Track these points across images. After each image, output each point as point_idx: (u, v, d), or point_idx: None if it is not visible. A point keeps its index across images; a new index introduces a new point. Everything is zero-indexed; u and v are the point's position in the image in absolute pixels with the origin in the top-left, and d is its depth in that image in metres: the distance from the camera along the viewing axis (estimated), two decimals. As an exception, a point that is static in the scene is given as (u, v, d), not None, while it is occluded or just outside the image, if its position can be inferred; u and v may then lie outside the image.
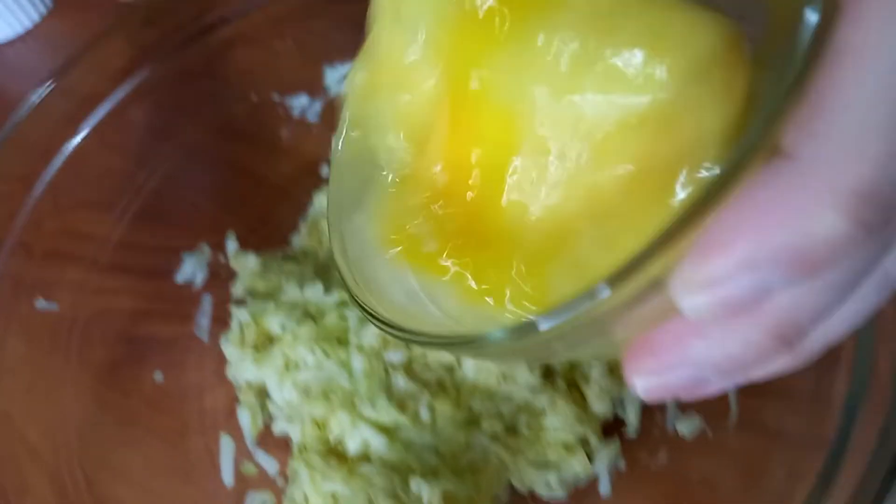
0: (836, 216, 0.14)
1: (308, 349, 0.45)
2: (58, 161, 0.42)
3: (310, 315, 0.48)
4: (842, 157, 0.14)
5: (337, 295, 0.47)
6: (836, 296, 0.17)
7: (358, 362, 0.45)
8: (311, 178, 0.52)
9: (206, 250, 0.48)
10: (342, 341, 0.46)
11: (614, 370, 0.41)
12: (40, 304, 0.40)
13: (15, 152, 0.40)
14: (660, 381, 0.18)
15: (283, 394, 0.45)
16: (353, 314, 0.47)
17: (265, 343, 0.47)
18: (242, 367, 0.45)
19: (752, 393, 0.36)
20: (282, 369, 0.45)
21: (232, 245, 0.49)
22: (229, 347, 0.46)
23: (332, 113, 0.50)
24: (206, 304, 0.48)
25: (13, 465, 0.35)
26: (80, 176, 0.43)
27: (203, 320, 0.47)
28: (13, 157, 0.40)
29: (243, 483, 0.42)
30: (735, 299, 0.15)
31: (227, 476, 0.42)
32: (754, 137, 0.15)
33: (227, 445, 0.43)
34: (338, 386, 0.44)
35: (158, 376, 0.44)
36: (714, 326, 0.17)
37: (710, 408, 0.38)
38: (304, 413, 0.44)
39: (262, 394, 0.46)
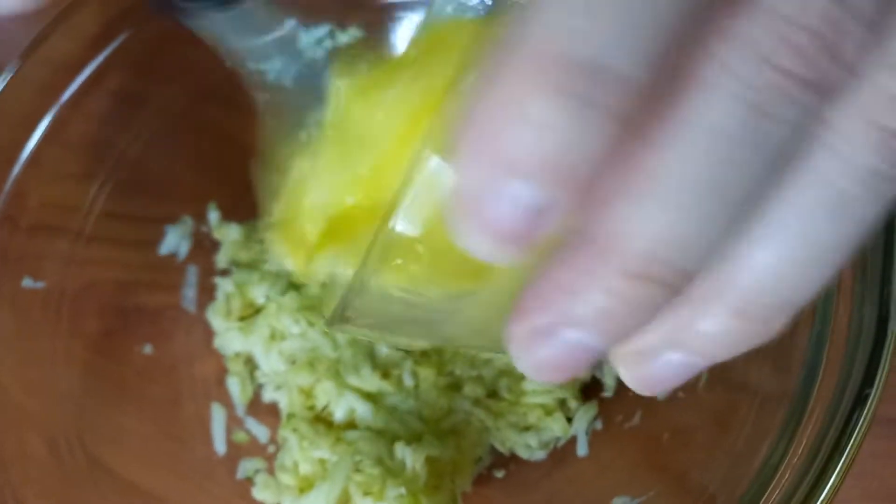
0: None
1: (293, 319, 0.46)
2: (38, 132, 0.42)
3: (293, 285, 0.48)
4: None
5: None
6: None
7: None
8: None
9: (188, 222, 0.48)
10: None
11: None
12: (27, 282, 0.40)
13: (-4, 124, 0.40)
14: (536, 357, 0.15)
15: (269, 363, 0.46)
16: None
17: (251, 313, 0.48)
18: (229, 338, 0.46)
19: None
20: (268, 339, 0.46)
21: (214, 216, 0.49)
22: (216, 318, 0.47)
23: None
24: (192, 275, 0.48)
25: (12, 434, 0.35)
26: (60, 146, 0.42)
27: (189, 291, 0.47)
28: (-7, 128, 0.40)
29: (235, 450, 0.43)
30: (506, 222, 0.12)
31: (220, 444, 0.43)
32: None
33: (218, 414, 0.44)
34: (322, 355, 0.46)
35: (148, 347, 0.44)
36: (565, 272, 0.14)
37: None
38: (291, 382, 0.45)
39: (251, 363, 0.47)
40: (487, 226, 0.12)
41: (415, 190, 0.16)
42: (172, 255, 0.47)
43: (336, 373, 0.45)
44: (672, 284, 0.14)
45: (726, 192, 0.13)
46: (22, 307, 0.39)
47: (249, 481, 0.42)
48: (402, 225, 0.17)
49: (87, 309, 0.42)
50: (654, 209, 0.13)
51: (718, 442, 0.32)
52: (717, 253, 0.14)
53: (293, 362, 0.46)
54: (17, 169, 0.40)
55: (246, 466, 0.43)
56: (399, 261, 0.18)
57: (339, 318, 0.22)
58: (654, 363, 0.17)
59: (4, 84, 0.40)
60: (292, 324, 0.46)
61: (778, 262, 0.15)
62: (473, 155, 0.13)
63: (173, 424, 0.42)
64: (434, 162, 0.16)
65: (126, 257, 0.45)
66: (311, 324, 0.46)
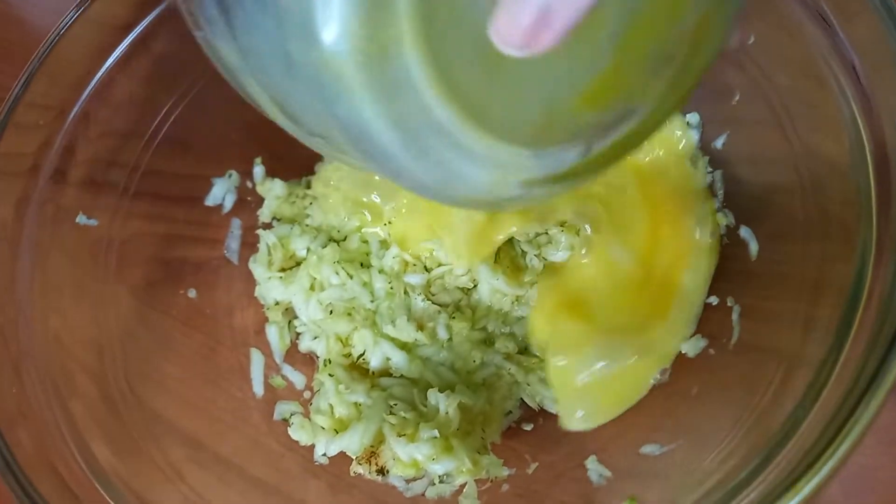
0: None
1: (333, 270, 0.47)
2: (87, 91, 0.43)
3: (333, 239, 0.50)
4: None
5: (357, 220, 0.49)
6: None
7: (380, 283, 0.47)
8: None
9: (234, 176, 0.50)
10: (365, 264, 0.48)
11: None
12: (81, 219, 0.42)
13: (46, 83, 0.41)
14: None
15: (308, 312, 0.47)
16: (374, 239, 0.48)
17: (291, 265, 0.49)
18: (270, 287, 0.48)
19: (752, 317, 0.37)
20: (307, 289, 0.47)
21: (259, 171, 0.51)
22: (258, 268, 0.48)
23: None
24: (236, 227, 0.50)
25: (64, 374, 0.37)
26: (109, 105, 0.44)
27: (233, 243, 0.49)
28: (45, 88, 0.41)
29: (272, 394, 0.45)
30: None
31: (258, 387, 0.45)
32: None
33: (257, 359, 0.46)
34: (360, 305, 0.47)
35: (192, 294, 0.46)
36: None
37: (714, 330, 0.40)
38: (329, 330, 0.47)
39: (289, 312, 0.48)
40: None
41: None
42: (217, 209, 0.49)
43: (373, 322, 0.47)
44: None
45: None
46: (75, 254, 0.41)
47: (285, 423, 0.44)
48: None
49: (134, 258, 0.44)
50: None
51: (744, 399, 0.32)
52: None
53: (331, 312, 0.47)
54: (66, 125, 0.42)
55: (282, 409, 0.45)
56: None
57: None
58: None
59: (54, 44, 0.42)
60: (332, 274, 0.47)
61: None
62: None
63: (214, 369, 0.44)
64: None
65: (172, 212, 0.47)
66: (349, 275, 0.47)
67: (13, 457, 0.33)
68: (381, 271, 0.48)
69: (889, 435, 0.38)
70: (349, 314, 0.47)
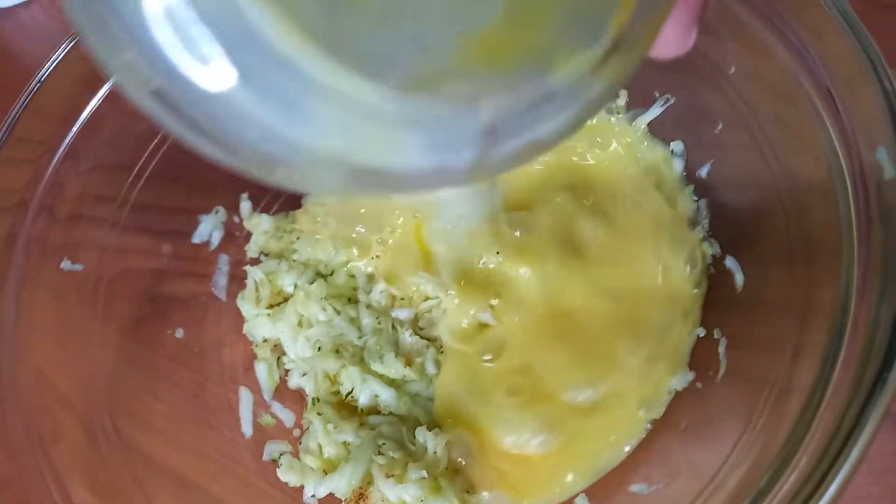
0: None
1: (320, 307, 0.47)
2: (76, 125, 0.43)
3: (320, 274, 0.49)
4: None
5: (344, 255, 0.49)
6: None
7: (367, 318, 0.47)
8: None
9: (221, 212, 0.50)
10: (352, 299, 0.48)
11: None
12: (65, 264, 0.41)
13: (35, 117, 0.41)
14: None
15: (297, 349, 0.47)
16: (361, 274, 0.48)
17: (279, 301, 0.49)
18: (258, 324, 0.48)
19: (740, 346, 0.37)
20: (295, 326, 0.47)
21: (246, 206, 0.51)
22: (246, 305, 0.48)
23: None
24: (223, 263, 0.50)
25: (48, 415, 0.37)
26: (97, 139, 0.44)
27: (220, 279, 0.49)
28: (34, 121, 0.41)
29: (261, 433, 0.45)
30: None
31: (247, 426, 0.45)
32: None
33: (245, 397, 0.46)
34: (348, 342, 0.46)
35: (179, 332, 0.46)
36: None
37: (702, 362, 0.40)
38: (317, 367, 0.46)
39: (278, 349, 0.48)
40: None
41: None
42: (205, 245, 0.49)
43: (360, 359, 0.46)
44: None
45: None
46: (61, 293, 0.41)
47: (274, 463, 0.43)
48: None
49: (121, 296, 0.44)
50: None
51: (734, 432, 0.32)
52: None
53: (319, 349, 0.47)
54: (55, 160, 0.41)
55: (272, 448, 0.44)
56: None
57: None
58: None
59: (43, 78, 0.42)
60: (319, 311, 0.47)
61: None
62: None
63: (202, 407, 0.44)
64: None
65: (160, 247, 0.47)
66: (337, 311, 0.47)
67: (-6, 501, 0.32)
68: (368, 307, 0.48)
69: (880, 463, 0.37)
70: (337, 351, 0.46)
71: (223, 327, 0.48)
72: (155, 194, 0.46)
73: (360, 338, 0.47)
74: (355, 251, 0.49)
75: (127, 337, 0.43)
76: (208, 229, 0.50)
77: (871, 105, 0.30)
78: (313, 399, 0.46)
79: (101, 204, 0.44)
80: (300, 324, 0.48)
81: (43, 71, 0.42)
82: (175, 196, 0.48)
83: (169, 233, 0.48)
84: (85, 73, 0.44)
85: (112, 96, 0.45)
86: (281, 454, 0.44)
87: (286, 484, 0.42)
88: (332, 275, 0.49)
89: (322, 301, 0.47)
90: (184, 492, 0.39)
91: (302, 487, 0.42)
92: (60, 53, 0.43)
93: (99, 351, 0.41)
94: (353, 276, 0.49)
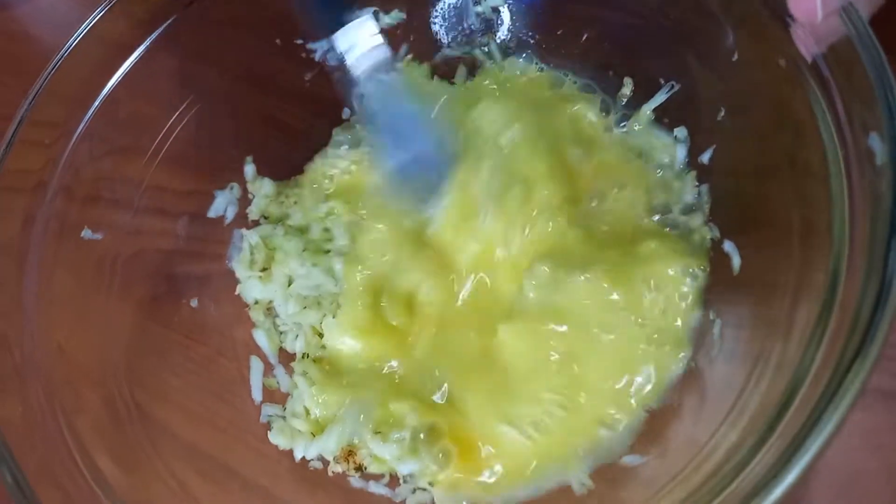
0: None
1: (298, 262, 0.48)
2: (92, 108, 0.44)
3: (297, 230, 0.51)
4: None
5: (325, 208, 0.50)
6: None
7: (339, 265, 0.48)
8: (331, 119, 0.54)
9: (235, 188, 0.51)
10: (329, 252, 0.49)
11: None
12: (86, 233, 0.43)
13: (52, 100, 0.42)
14: None
15: (287, 309, 0.48)
16: (338, 224, 0.50)
17: (273, 264, 0.50)
18: (250, 286, 0.49)
19: (733, 325, 0.39)
20: (285, 286, 0.49)
21: (250, 170, 0.52)
22: (239, 267, 0.49)
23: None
24: (237, 239, 0.51)
25: (69, 389, 0.38)
26: (112, 123, 0.45)
27: (235, 254, 0.50)
28: (51, 105, 0.42)
29: (271, 398, 0.46)
30: None
31: (257, 392, 0.46)
32: None
33: (256, 366, 0.47)
34: (327, 292, 0.48)
35: (194, 303, 0.47)
36: None
37: (697, 343, 0.41)
38: (304, 324, 0.47)
39: (271, 312, 0.49)
40: None
41: None
42: (219, 223, 0.50)
43: (338, 306, 0.47)
44: None
45: None
46: (79, 270, 0.42)
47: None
48: None
49: (138, 274, 0.45)
50: None
51: (725, 406, 0.33)
52: None
53: (305, 307, 0.48)
54: (72, 143, 0.43)
55: (267, 411, 0.45)
56: None
57: None
58: None
59: (59, 62, 0.43)
60: (298, 266, 0.48)
61: None
62: None
63: (215, 382, 0.45)
64: None
65: (174, 227, 0.48)
66: (314, 264, 0.48)
67: (21, 472, 0.33)
68: (339, 253, 0.49)
69: (877, 439, 0.38)
70: (319, 304, 0.48)
71: (237, 304, 0.49)
72: (169, 176, 0.48)
73: (336, 285, 0.48)
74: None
75: (144, 314, 0.44)
76: (223, 204, 0.51)
77: (866, 92, 0.30)
78: (303, 354, 0.47)
79: (118, 185, 0.45)
80: (289, 283, 0.49)
81: (59, 55, 0.43)
82: (189, 177, 0.49)
83: (184, 213, 0.49)
84: (100, 57, 0.45)
85: (126, 81, 0.46)
86: (269, 417, 0.45)
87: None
88: (308, 230, 0.51)
89: (300, 256, 0.48)
90: (200, 462, 0.40)
91: (319, 477, 0.43)
92: (76, 38, 0.44)
93: (117, 327, 0.43)
94: (327, 230, 0.50)
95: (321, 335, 0.47)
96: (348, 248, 0.48)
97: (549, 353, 0.42)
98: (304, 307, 0.48)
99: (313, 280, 0.48)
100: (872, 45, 0.31)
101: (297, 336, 0.48)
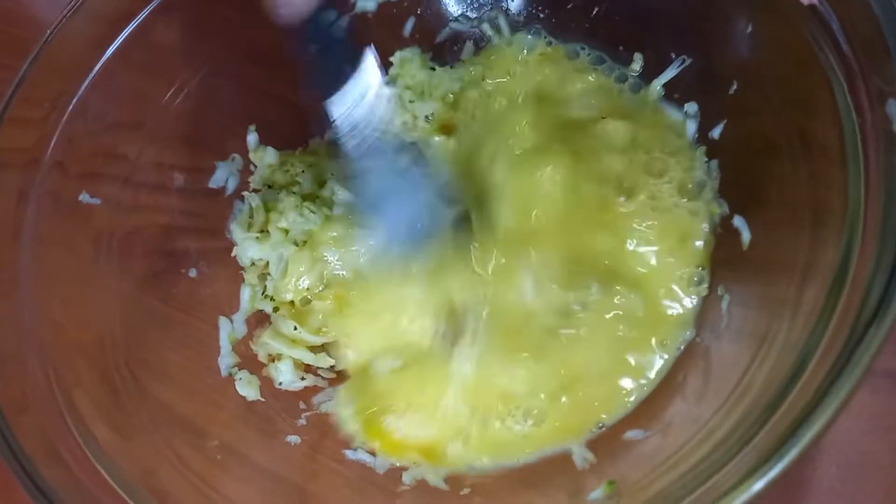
0: None
1: (297, 213, 0.48)
2: (86, 83, 0.43)
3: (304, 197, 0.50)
4: None
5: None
6: None
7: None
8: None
9: (237, 159, 0.51)
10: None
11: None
12: (84, 197, 0.42)
13: (46, 75, 0.42)
14: None
15: (279, 267, 0.48)
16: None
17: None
18: (246, 247, 0.48)
19: (741, 302, 0.38)
20: (280, 243, 0.48)
21: (252, 139, 0.51)
22: (236, 229, 0.49)
23: (358, 27, 0.50)
24: (238, 210, 0.50)
25: (68, 365, 0.38)
26: (108, 97, 0.44)
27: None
28: (44, 79, 0.42)
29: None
30: None
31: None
32: None
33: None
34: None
35: (192, 273, 0.47)
36: None
37: (704, 318, 0.40)
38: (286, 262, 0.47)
39: (264, 278, 0.48)
40: None
41: None
42: (219, 195, 0.50)
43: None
44: None
45: None
46: (75, 248, 0.42)
47: (284, 414, 0.44)
48: None
49: (136, 250, 0.45)
50: None
51: (728, 383, 0.33)
52: None
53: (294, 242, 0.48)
54: (65, 117, 0.42)
55: (225, 362, 0.45)
56: None
57: None
58: None
59: (54, 35, 0.42)
60: (297, 217, 0.48)
61: None
62: None
63: (213, 358, 0.45)
64: None
65: (173, 203, 0.48)
66: (312, 211, 0.48)
67: (19, 445, 0.33)
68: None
69: (886, 421, 0.38)
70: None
71: (235, 280, 0.48)
72: (168, 150, 0.47)
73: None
74: None
75: (142, 290, 0.44)
76: (224, 175, 0.50)
77: (885, 62, 0.29)
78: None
79: (113, 161, 0.44)
80: (283, 241, 0.48)
81: (53, 29, 0.42)
82: (187, 153, 0.48)
83: (181, 189, 0.48)
84: (94, 31, 0.44)
85: (121, 54, 0.45)
86: (231, 368, 0.45)
87: (298, 430, 0.43)
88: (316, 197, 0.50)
89: (298, 207, 0.48)
90: (196, 438, 0.40)
91: (311, 438, 0.43)
92: (70, 10, 0.43)
93: (114, 301, 0.42)
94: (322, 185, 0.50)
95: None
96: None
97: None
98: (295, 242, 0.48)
99: (311, 223, 0.48)
100: (894, 15, 0.29)
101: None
